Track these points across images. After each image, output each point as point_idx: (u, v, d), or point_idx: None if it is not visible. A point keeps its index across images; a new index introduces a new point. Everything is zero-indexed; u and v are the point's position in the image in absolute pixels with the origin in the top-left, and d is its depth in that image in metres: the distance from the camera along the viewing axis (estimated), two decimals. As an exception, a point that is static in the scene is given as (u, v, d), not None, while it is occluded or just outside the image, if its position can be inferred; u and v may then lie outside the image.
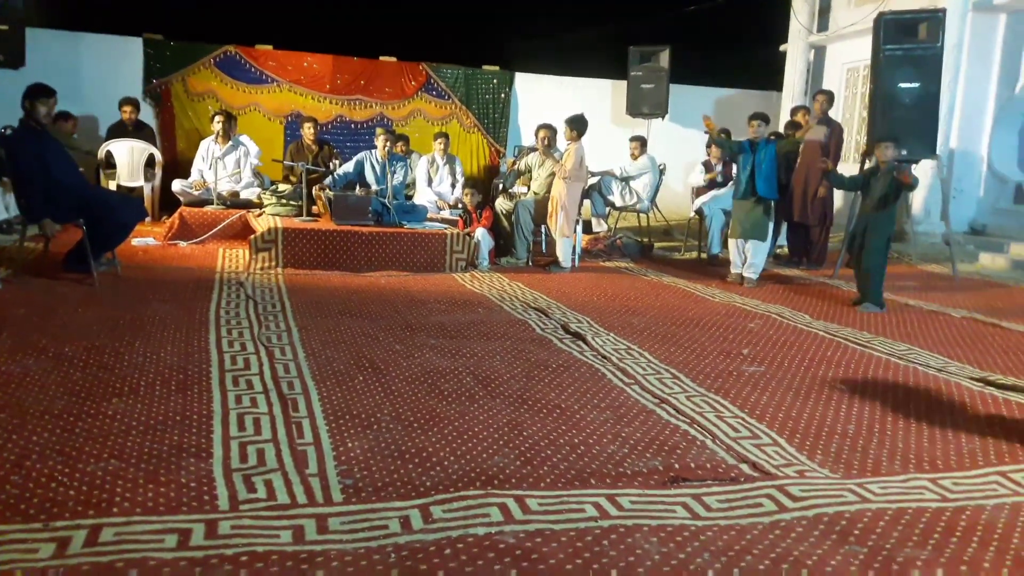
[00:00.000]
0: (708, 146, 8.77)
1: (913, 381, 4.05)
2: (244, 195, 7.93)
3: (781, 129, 9.28)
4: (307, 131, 8.39)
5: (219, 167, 7.89)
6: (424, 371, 3.75)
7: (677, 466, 2.80)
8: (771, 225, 6.90)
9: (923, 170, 9.11)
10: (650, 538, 2.26)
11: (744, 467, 2.82)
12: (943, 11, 7.66)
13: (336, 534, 2.18)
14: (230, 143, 8.08)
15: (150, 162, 8.49)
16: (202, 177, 8.01)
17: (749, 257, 6.84)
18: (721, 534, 2.31)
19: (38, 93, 5.16)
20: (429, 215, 7.58)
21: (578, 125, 7.12)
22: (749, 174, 6.69)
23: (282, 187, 7.62)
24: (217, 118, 8.07)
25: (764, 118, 6.85)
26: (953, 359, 4.54)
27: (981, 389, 3.94)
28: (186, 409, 3.08)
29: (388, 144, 7.25)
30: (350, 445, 2.82)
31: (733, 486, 2.65)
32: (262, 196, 7.63)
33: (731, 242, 7.04)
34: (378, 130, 7.61)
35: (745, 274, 6.84)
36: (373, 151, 7.43)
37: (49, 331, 4.02)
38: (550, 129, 7.45)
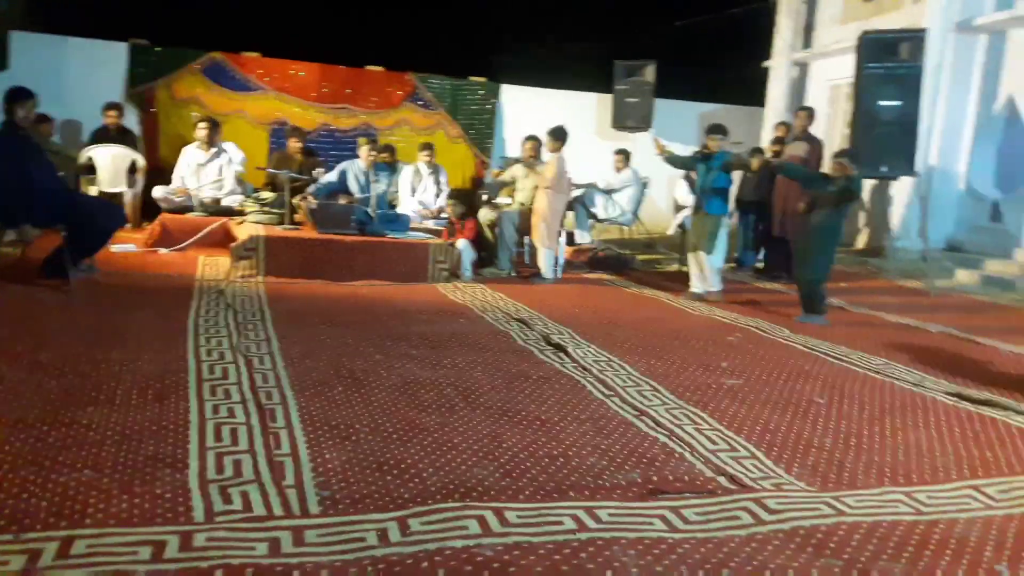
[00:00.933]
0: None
1: (889, 395, 4.09)
2: (226, 202, 7.89)
3: (764, 144, 9.39)
4: (292, 144, 8.37)
5: (201, 174, 7.85)
6: (404, 382, 3.74)
7: (656, 478, 2.81)
8: (721, 240, 6.66)
9: (902, 187, 9.25)
10: (628, 551, 2.26)
11: (722, 480, 2.84)
12: (924, 31, 7.81)
13: (313, 547, 2.17)
14: (213, 150, 8.05)
15: (132, 168, 8.44)
16: (183, 183, 7.97)
17: (705, 272, 6.69)
18: (698, 547, 2.32)
19: (16, 96, 5.13)
20: (412, 224, 7.58)
21: (560, 135, 7.17)
22: (701, 188, 6.62)
23: (265, 195, 7.60)
24: (202, 124, 8.03)
25: (723, 131, 6.68)
26: (929, 374, 4.59)
27: (956, 403, 3.99)
28: (162, 419, 3.05)
29: (372, 154, 7.26)
30: (328, 456, 2.81)
31: (711, 499, 2.66)
32: (244, 204, 7.59)
33: (689, 257, 6.92)
34: (360, 139, 7.59)
35: (708, 289, 6.69)
36: (356, 160, 7.43)
37: (24, 338, 3.98)
38: (536, 141, 7.51)
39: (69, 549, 2.07)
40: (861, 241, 10.41)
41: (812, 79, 11.64)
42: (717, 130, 6.67)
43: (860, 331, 5.78)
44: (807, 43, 11.64)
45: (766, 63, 12.01)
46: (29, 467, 2.54)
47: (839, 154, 6.15)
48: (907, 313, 6.59)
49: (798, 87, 11.75)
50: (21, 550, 2.04)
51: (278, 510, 2.37)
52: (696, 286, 6.76)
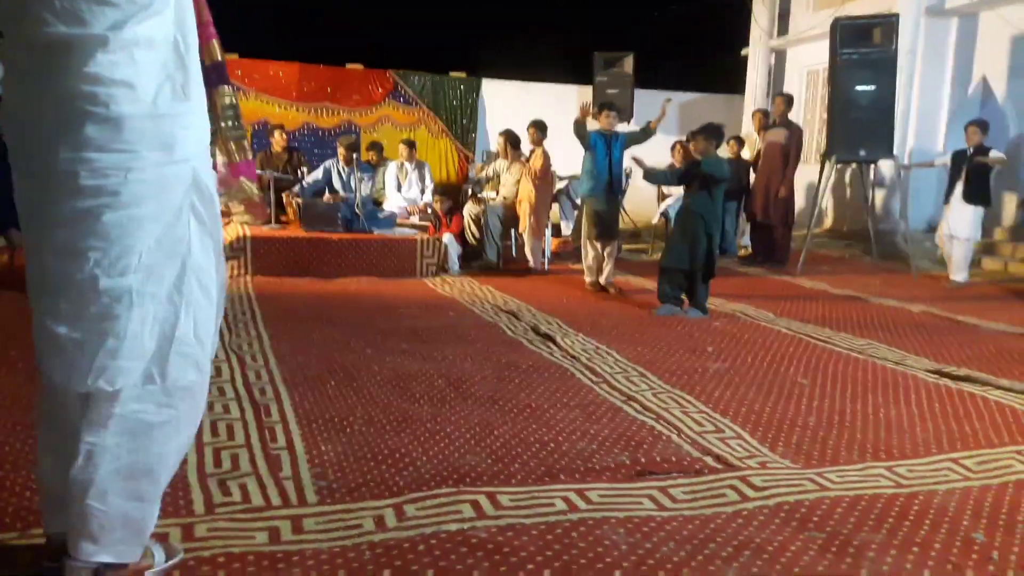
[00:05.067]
0: (672, 148, 8.93)
1: (872, 374, 4.18)
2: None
3: (744, 132, 9.47)
4: (277, 139, 8.38)
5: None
6: (396, 375, 3.80)
7: (644, 460, 2.89)
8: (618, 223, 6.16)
9: (881, 170, 9.38)
10: (617, 529, 2.33)
11: (708, 460, 2.91)
12: (896, 16, 7.91)
13: (311, 534, 2.23)
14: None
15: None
16: None
17: (606, 259, 6.31)
18: (686, 524, 2.39)
19: None
20: (399, 220, 7.63)
21: (543, 128, 7.29)
22: (607, 168, 6.19)
23: (250, 195, 7.61)
24: None
25: (613, 107, 6.35)
26: (911, 352, 4.69)
27: (936, 381, 4.09)
28: (159, 417, 3.09)
29: (346, 152, 7.30)
30: (323, 448, 2.86)
31: (697, 478, 2.73)
32: (229, 204, 7.59)
33: (587, 244, 6.41)
34: (340, 138, 7.67)
35: (602, 281, 6.34)
36: (338, 158, 7.49)
37: (19, 344, 3.99)
38: (509, 135, 7.63)
39: (73, 544, 2.11)
40: (843, 225, 10.54)
41: (789, 65, 11.75)
42: (609, 105, 6.35)
43: (843, 313, 5.88)
44: (783, 30, 11.75)
45: (744, 51, 12.10)
46: (31, 467, 2.56)
47: (694, 133, 5.61)
48: (889, 293, 6.71)
49: (776, 73, 11.86)
50: (27, 545, 2.09)
51: (276, 500, 2.42)
52: (601, 275, 6.36)
